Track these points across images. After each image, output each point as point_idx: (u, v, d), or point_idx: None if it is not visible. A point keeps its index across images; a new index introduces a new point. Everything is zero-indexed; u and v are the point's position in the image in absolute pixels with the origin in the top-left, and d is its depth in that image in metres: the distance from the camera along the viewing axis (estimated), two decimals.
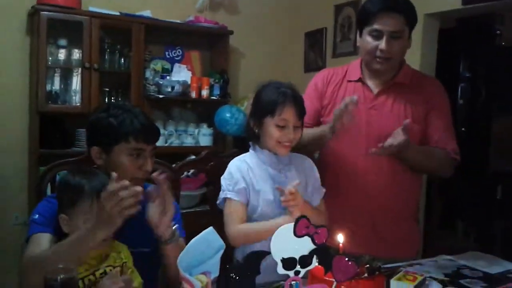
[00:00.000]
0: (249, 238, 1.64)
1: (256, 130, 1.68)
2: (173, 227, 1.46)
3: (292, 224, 1.07)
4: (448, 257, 1.90)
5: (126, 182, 1.26)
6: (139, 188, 1.28)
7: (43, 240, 1.38)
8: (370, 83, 1.93)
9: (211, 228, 1.12)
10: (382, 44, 1.79)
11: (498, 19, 4.13)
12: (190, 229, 1.67)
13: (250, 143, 1.74)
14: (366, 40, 1.84)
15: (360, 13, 1.90)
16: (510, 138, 4.25)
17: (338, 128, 1.72)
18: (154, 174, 1.45)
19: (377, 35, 1.81)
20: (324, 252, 1.09)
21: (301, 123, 1.67)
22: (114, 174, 1.27)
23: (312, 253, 1.10)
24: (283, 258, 1.08)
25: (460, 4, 2.89)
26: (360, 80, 1.94)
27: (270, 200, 1.66)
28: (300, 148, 1.80)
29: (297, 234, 1.06)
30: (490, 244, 4.04)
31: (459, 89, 4.44)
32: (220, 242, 1.12)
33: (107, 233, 1.28)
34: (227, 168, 1.71)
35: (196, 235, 1.65)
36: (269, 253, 1.07)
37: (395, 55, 1.84)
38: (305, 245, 1.09)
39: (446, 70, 3.36)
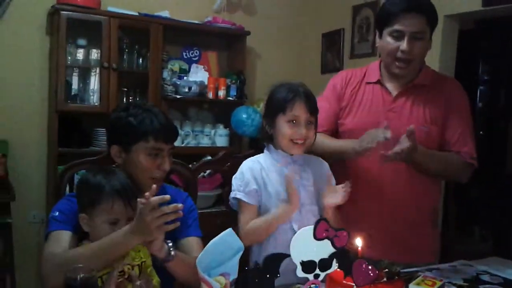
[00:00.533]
0: (258, 233, 1.63)
1: (270, 131, 1.68)
2: (168, 247, 1.41)
3: (312, 226, 1.07)
4: (467, 262, 1.88)
5: (168, 196, 1.26)
6: (180, 205, 1.27)
7: (63, 237, 1.39)
8: (389, 85, 1.91)
9: (230, 229, 1.12)
10: (404, 45, 1.77)
11: None
12: (206, 230, 1.68)
13: (265, 143, 1.74)
14: (387, 41, 1.82)
15: (380, 14, 1.88)
16: None
17: (364, 154, 1.71)
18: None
19: (398, 36, 1.79)
20: (344, 256, 1.08)
21: (314, 119, 1.66)
22: (154, 187, 1.27)
23: (332, 256, 1.09)
24: (302, 261, 1.08)
25: (480, 5, 2.85)
26: (378, 82, 1.92)
27: (284, 201, 1.64)
28: (318, 154, 1.80)
29: (317, 237, 1.06)
30: (507, 249, 3.99)
31: (478, 92, 4.39)
32: (239, 243, 1.12)
33: (141, 241, 1.29)
34: (240, 168, 1.71)
35: (211, 236, 1.66)
36: (288, 255, 1.07)
37: (416, 56, 1.81)
38: (325, 248, 1.09)
39: (465, 73, 3.32)
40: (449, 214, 3.28)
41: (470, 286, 1.61)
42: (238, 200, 1.66)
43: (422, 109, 1.86)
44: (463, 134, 1.87)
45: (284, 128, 1.63)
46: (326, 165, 1.80)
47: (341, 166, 1.93)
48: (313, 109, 1.65)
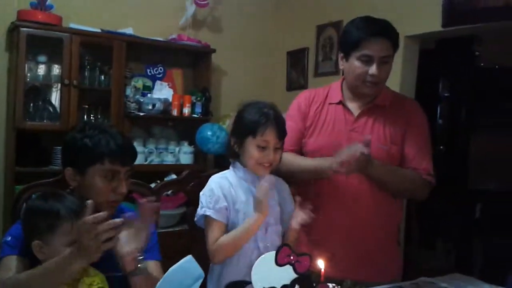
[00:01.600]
0: (228, 249, 1.60)
1: (237, 149, 1.67)
2: (140, 260, 1.40)
3: (274, 252, 1.05)
4: (429, 279, 1.89)
5: (103, 214, 1.21)
6: (118, 221, 1.24)
7: (13, 264, 1.34)
8: (350, 105, 1.94)
9: (189, 256, 1.09)
10: (373, 69, 1.80)
11: (477, 41, 4.21)
12: (169, 249, 1.66)
13: (231, 160, 1.72)
14: (355, 65, 1.84)
15: (346, 37, 1.89)
16: (488, 156, 4.31)
17: (340, 171, 1.71)
18: (143, 200, 1.40)
19: (367, 60, 1.81)
20: (306, 281, 1.07)
21: (281, 144, 1.66)
22: (89, 202, 1.23)
23: (294, 282, 1.07)
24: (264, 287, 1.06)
25: (440, 26, 2.93)
26: (340, 102, 1.95)
27: (250, 216, 1.62)
28: (286, 175, 1.80)
29: (278, 262, 1.04)
30: (470, 264, 4.06)
31: (439, 109, 4.50)
32: (199, 271, 1.09)
33: (84, 264, 1.25)
34: (208, 184, 1.68)
35: (175, 255, 1.63)
36: (249, 282, 1.05)
37: (383, 79, 1.86)
38: (286, 274, 1.07)
39: (425, 91, 3.39)
40: (412, 229, 3.33)
41: None
42: (207, 217, 1.63)
43: (382, 129, 1.89)
44: (420, 151, 1.90)
45: (252, 151, 1.62)
46: (287, 186, 1.81)
47: (306, 185, 1.93)
48: (283, 134, 1.65)
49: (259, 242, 1.63)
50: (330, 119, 1.94)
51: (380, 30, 1.81)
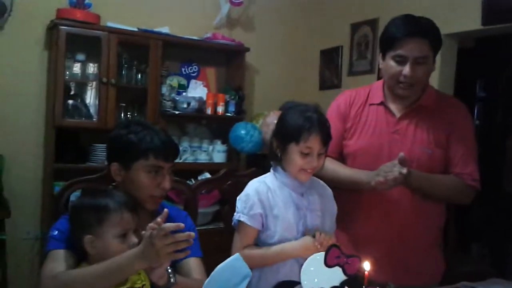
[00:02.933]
0: (253, 263, 1.52)
1: (279, 153, 1.63)
2: (169, 273, 1.38)
3: (323, 253, 1.04)
4: (470, 284, 1.85)
5: (182, 225, 1.22)
6: (193, 234, 1.24)
7: (61, 257, 1.37)
8: (392, 106, 1.90)
9: (237, 254, 1.09)
10: (406, 69, 1.76)
11: None
12: (203, 247, 1.66)
13: (272, 163, 1.70)
14: (390, 65, 1.81)
15: (383, 37, 1.87)
16: None
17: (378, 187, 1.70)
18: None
19: (401, 60, 1.77)
20: (356, 283, 1.06)
21: (326, 149, 1.62)
22: (165, 211, 1.25)
23: (343, 284, 1.06)
24: None
25: (479, 24, 2.87)
26: (382, 103, 1.91)
27: (290, 224, 1.62)
28: (328, 181, 1.78)
29: (327, 264, 1.03)
30: (505, 268, 3.96)
31: (476, 110, 4.40)
32: (247, 269, 1.09)
33: (146, 266, 1.26)
34: (245, 189, 1.67)
35: (209, 254, 1.63)
36: (298, 283, 1.04)
37: (419, 81, 1.80)
38: (335, 276, 1.06)
39: (463, 90, 3.32)
40: (449, 233, 3.27)
41: None
42: (240, 222, 1.63)
43: (426, 131, 1.84)
44: (464, 155, 1.85)
45: (295, 158, 1.58)
46: (329, 189, 1.78)
47: (348, 191, 1.90)
48: (327, 140, 1.60)
49: None
50: (372, 120, 1.90)
51: (416, 29, 1.76)
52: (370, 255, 1.81)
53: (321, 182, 1.76)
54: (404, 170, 1.64)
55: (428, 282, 1.85)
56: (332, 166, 1.87)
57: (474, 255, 4.21)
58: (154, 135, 1.51)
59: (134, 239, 1.32)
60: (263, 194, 1.63)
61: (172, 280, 1.36)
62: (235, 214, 1.66)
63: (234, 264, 1.08)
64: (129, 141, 1.50)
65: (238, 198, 1.67)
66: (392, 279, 1.67)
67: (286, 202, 1.63)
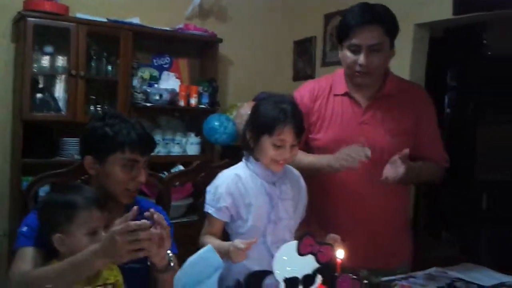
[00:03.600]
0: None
1: (251, 144, 1.63)
2: (169, 257, 1.38)
3: (295, 242, 1.04)
4: (441, 269, 1.89)
5: (149, 223, 1.21)
6: (157, 232, 1.23)
7: (30, 254, 1.34)
8: (357, 96, 1.89)
9: (209, 246, 1.08)
10: (361, 58, 1.76)
11: (486, 29, 4.17)
12: (178, 241, 1.65)
13: (244, 153, 1.70)
14: (346, 55, 1.81)
15: (338, 27, 1.87)
16: (495, 147, 4.29)
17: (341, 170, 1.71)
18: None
19: (356, 50, 1.77)
20: (329, 271, 1.06)
21: (298, 141, 1.62)
22: (134, 208, 1.25)
23: (316, 272, 1.06)
24: (285, 277, 1.04)
25: (450, 14, 2.89)
26: (346, 94, 1.90)
27: (262, 213, 1.62)
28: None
29: (301, 252, 1.03)
30: (475, 254, 4.06)
31: (446, 98, 4.47)
32: (219, 261, 1.08)
33: (106, 263, 1.24)
34: (215, 180, 1.67)
35: (184, 247, 1.63)
36: (271, 272, 1.04)
37: (375, 69, 1.80)
38: (308, 264, 1.06)
39: (434, 80, 3.37)
40: (418, 219, 3.33)
41: None
42: (208, 214, 1.64)
43: (393, 120, 1.86)
44: (434, 140, 1.92)
45: (268, 149, 1.57)
46: (302, 179, 1.78)
47: (316, 178, 1.90)
48: (300, 132, 1.60)
49: (267, 236, 1.62)
50: (338, 112, 1.89)
51: (368, 17, 1.75)
52: (342, 240, 1.87)
53: (294, 170, 1.76)
54: (369, 153, 1.65)
55: (399, 264, 1.88)
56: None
57: (444, 241, 4.30)
58: (130, 128, 1.49)
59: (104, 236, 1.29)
60: (233, 186, 1.62)
61: (172, 264, 1.35)
62: (205, 204, 1.67)
63: (206, 255, 1.07)
64: (105, 134, 1.48)
65: (207, 189, 1.67)
66: (364, 263, 1.70)
67: (258, 191, 1.63)
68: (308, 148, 1.95)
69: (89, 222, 1.29)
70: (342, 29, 1.83)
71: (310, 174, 1.86)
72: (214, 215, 1.61)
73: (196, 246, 1.42)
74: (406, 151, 1.68)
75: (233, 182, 1.63)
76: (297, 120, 1.58)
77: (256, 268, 1.43)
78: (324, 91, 1.93)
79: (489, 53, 4.37)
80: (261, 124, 1.58)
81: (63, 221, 1.30)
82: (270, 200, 1.63)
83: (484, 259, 3.91)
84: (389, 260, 1.87)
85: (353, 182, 1.83)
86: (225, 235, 1.69)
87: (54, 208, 1.33)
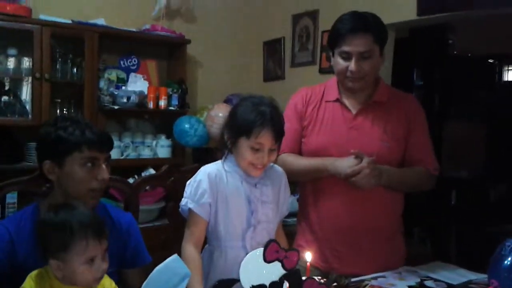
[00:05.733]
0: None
1: (229, 145, 1.60)
2: None
3: (262, 249, 1.03)
4: (411, 268, 1.91)
5: None
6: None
7: None
8: (348, 102, 1.93)
9: (175, 255, 1.07)
10: (352, 65, 1.80)
11: (451, 29, 4.25)
12: (149, 244, 1.64)
13: (225, 152, 1.65)
14: (337, 61, 1.86)
15: (330, 35, 1.90)
16: (462, 144, 4.38)
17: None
18: None
19: (347, 57, 1.82)
20: (295, 277, 1.05)
21: (278, 145, 1.59)
22: None
23: (282, 278, 1.06)
24: (252, 285, 1.03)
25: (415, 15, 2.94)
26: (338, 100, 1.93)
27: (241, 213, 1.60)
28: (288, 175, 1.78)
29: (266, 259, 1.02)
30: (446, 250, 4.13)
31: None
32: (185, 270, 1.06)
33: None
34: (197, 174, 1.62)
35: (155, 250, 1.60)
36: (238, 280, 1.02)
37: (366, 75, 1.84)
38: (275, 271, 1.05)
39: (399, 79, 3.41)
40: None
41: None
42: (190, 210, 1.59)
43: (382, 126, 1.88)
44: (425, 147, 1.94)
45: (246, 152, 1.55)
46: (285, 176, 1.76)
47: (309, 183, 1.94)
48: (279, 136, 1.57)
49: (247, 240, 1.60)
50: (329, 117, 1.93)
51: (358, 25, 1.80)
52: (331, 244, 1.87)
53: (275, 166, 1.74)
54: (371, 161, 1.71)
55: (395, 266, 1.89)
56: (290, 159, 1.90)
57: (415, 239, 4.36)
58: (84, 128, 1.47)
59: (102, 265, 1.25)
60: (215, 181, 1.59)
61: None
62: (183, 199, 1.62)
63: (172, 265, 1.05)
64: (59, 137, 1.45)
65: (188, 183, 1.63)
66: (355, 270, 1.72)
67: (238, 194, 1.61)
68: (299, 153, 1.97)
69: (86, 252, 1.23)
70: (333, 36, 1.87)
71: (302, 179, 1.90)
72: (196, 210, 1.57)
73: (169, 251, 1.39)
74: (372, 159, 1.72)
75: (215, 178, 1.59)
76: (276, 124, 1.55)
77: (235, 271, 1.42)
78: (317, 97, 1.97)
79: (455, 52, 4.45)
80: (239, 126, 1.55)
81: (59, 248, 1.23)
82: (249, 204, 1.61)
83: (454, 256, 4.00)
84: (380, 265, 1.87)
85: (344, 183, 1.81)
86: None
87: (49, 231, 1.26)
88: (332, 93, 1.96)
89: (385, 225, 1.91)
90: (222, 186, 1.60)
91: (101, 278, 1.26)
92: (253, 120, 1.52)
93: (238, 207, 1.60)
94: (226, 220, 1.60)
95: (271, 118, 1.53)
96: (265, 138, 1.52)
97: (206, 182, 1.58)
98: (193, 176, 1.63)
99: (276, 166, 1.74)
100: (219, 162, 1.66)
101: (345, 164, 1.76)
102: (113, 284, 1.36)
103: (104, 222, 1.30)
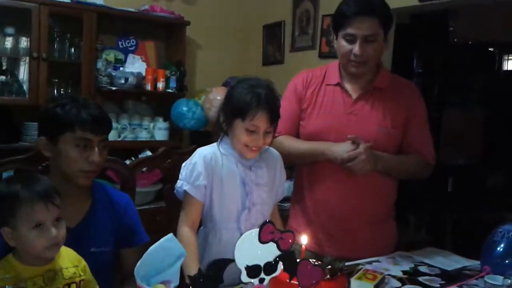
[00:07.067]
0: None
1: (225, 127, 1.60)
2: None
3: (257, 229, 1.03)
4: (405, 253, 1.92)
5: None
6: None
7: None
8: (348, 87, 1.92)
9: (170, 235, 1.07)
10: (356, 48, 1.78)
11: (451, 16, 4.23)
12: (146, 227, 1.64)
13: (221, 134, 1.64)
14: (341, 44, 1.84)
15: (334, 17, 1.88)
16: (460, 131, 4.39)
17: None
18: None
19: (351, 39, 1.80)
20: (290, 258, 1.06)
21: (274, 127, 1.59)
22: None
23: (277, 259, 1.06)
24: (247, 265, 1.04)
25: (416, 1, 2.92)
26: (338, 84, 1.92)
27: (236, 195, 1.61)
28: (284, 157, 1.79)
29: (262, 240, 1.02)
30: (441, 237, 4.16)
31: None
32: (181, 249, 1.06)
33: None
34: (192, 156, 1.62)
35: (152, 232, 1.61)
36: (233, 260, 1.03)
37: (369, 59, 1.82)
38: (270, 251, 1.05)
39: (399, 66, 3.40)
40: None
41: (409, 278, 1.65)
42: (185, 192, 1.60)
43: (381, 112, 1.87)
44: (424, 136, 1.94)
45: (241, 134, 1.54)
46: (279, 158, 1.76)
47: (305, 166, 1.93)
48: (274, 118, 1.56)
49: (241, 222, 1.61)
50: (328, 101, 1.91)
51: (364, 8, 1.78)
52: (324, 228, 1.88)
53: (273, 150, 1.74)
54: (368, 146, 1.72)
55: (381, 255, 1.89)
56: (288, 141, 1.90)
57: (411, 225, 4.39)
58: (82, 108, 1.46)
59: (53, 231, 1.22)
60: (211, 164, 1.59)
61: None
62: (178, 181, 1.63)
63: (167, 245, 1.05)
64: (55, 114, 1.45)
65: (183, 165, 1.63)
66: (347, 253, 1.73)
67: (233, 177, 1.61)
68: (298, 136, 1.97)
69: (32, 217, 1.22)
70: (337, 18, 1.85)
71: (299, 163, 1.90)
72: (191, 192, 1.58)
73: (165, 233, 1.40)
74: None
75: (211, 160, 1.59)
76: (272, 106, 1.54)
77: (230, 253, 1.43)
78: (317, 80, 1.96)
79: (455, 39, 4.44)
80: (234, 108, 1.55)
81: (7, 215, 1.23)
82: (244, 186, 1.61)
83: (449, 242, 4.03)
84: (372, 250, 1.87)
85: (338, 167, 1.82)
86: None
87: (0, 202, 1.25)
88: (334, 76, 1.94)
89: (378, 211, 1.92)
90: (218, 168, 1.60)
91: (54, 247, 1.24)
92: (248, 102, 1.51)
93: (233, 190, 1.60)
94: (221, 202, 1.60)
95: (266, 100, 1.52)
96: (260, 120, 1.51)
97: (201, 165, 1.58)
98: (189, 159, 1.63)
99: (271, 149, 1.74)
100: (214, 144, 1.65)
101: (342, 149, 1.76)
102: (83, 262, 1.34)
103: (56, 191, 1.27)
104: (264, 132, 1.55)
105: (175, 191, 1.66)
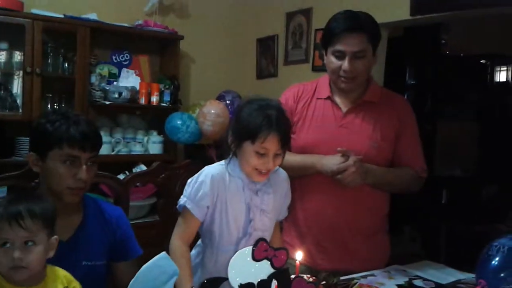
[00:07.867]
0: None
1: (233, 148, 1.56)
2: None
3: (250, 247, 1.03)
4: (400, 267, 1.92)
5: None
6: None
7: None
8: (339, 101, 1.93)
9: (163, 253, 1.06)
10: (345, 64, 1.80)
11: (444, 29, 4.26)
12: (139, 241, 1.63)
13: (230, 154, 1.60)
14: (330, 60, 1.85)
15: (324, 33, 1.90)
16: (454, 143, 4.40)
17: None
18: None
19: (340, 56, 1.81)
20: (284, 276, 1.05)
21: (283, 151, 1.54)
22: None
23: (271, 277, 1.05)
24: (240, 284, 1.03)
25: (408, 15, 2.94)
26: (329, 98, 1.93)
27: (239, 220, 1.58)
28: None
29: (255, 257, 1.02)
30: (436, 249, 4.15)
31: (405, 97, 4.54)
32: (174, 267, 1.06)
33: None
34: (200, 173, 1.58)
35: (146, 246, 1.60)
36: (226, 279, 1.02)
37: (359, 75, 1.84)
38: (263, 269, 1.05)
39: (392, 78, 3.42)
40: None
41: None
42: (186, 208, 1.56)
43: (372, 126, 1.88)
44: (415, 150, 1.94)
45: (250, 157, 1.50)
46: (287, 180, 1.74)
47: (296, 179, 1.92)
48: (285, 141, 1.51)
49: (240, 246, 1.57)
50: (319, 114, 1.93)
51: (352, 24, 1.79)
52: (316, 240, 1.88)
53: (279, 170, 1.71)
54: (358, 159, 1.72)
55: (374, 268, 1.88)
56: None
57: (406, 237, 4.38)
58: (71, 124, 1.46)
59: (15, 253, 1.18)
60: (217, 184, 1.55)
61: None
62: (181, 197, 1.59)
63: (160, 263, 1.04)
64: (45, 130, 1.45)
65: (189, 180, 1.59)
66: (339, 265, 1.72)
67: (238, 200, 1.58)
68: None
69: (5, 235, 1.19)
70: (326, 35, 1.86)
71: (289, 175, 1.88)
72: (194, 212, 1.54)
73: (159, 247, 1.39)
74: (359, 157, 1.73)
75: (219, 180, 1.55)
76: (283, 128, 1.49)
77: (225, 273, 1.41)
78: (308, 94, 1.97)
79: (447, 52, 4.47)
80: (244, 130, 1.49)
81: None
82: (248, 211, 1.59)
83: (444, 255, 4.01)
84: (364, 263, 1.87)
85: (330, 180, 1.81)
86: None
87: None
88: (324, 90, 1.96)
89: (369, 224, 1.92)
90: (224, 189, 1.56)
91: (20, 269, 1.19)
92: (259, 124, 1.46)
93: (236, 214, 1.57)
94: (222, 225, 1.57)
95: (277, 122, 1.48)
96: (271, 143, 1.47)
97: (208, 185, 1.54)
98: (196, 175, 1.59)
99: (280, 170, 1.70)
100: (223, 163, 1.61)
101: (332, 161, 1.76)
102: (74, 283, 1.30)
103: (33, 212, 1.23)
104: (274, 155, 1.50)
105: (177, 206, 1.62)
